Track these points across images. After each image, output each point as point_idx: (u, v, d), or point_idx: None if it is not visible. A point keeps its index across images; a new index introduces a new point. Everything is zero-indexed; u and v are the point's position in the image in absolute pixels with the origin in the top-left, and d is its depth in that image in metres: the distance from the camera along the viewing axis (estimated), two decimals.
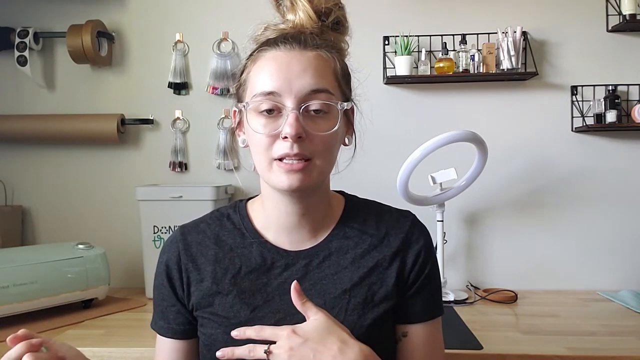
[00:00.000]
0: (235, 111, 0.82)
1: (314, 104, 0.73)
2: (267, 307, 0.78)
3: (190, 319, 0.82)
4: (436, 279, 0.85)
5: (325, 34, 0.80)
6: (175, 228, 0.88)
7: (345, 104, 0.77)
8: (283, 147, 0.72)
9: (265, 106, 0.73)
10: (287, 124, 0.71)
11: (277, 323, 0.70)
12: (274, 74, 0.73)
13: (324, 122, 0.74)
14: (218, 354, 0.70)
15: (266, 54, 0.76)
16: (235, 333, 0.70)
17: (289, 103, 0.72)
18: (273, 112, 0.74)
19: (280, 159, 0.73)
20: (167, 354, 0.84)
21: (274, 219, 0.82)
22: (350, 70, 0.82)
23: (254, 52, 0.79)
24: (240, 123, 0.81)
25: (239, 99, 0.80)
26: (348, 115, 0.81)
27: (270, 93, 0.73)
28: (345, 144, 0.83)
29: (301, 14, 0.79)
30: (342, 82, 0.79)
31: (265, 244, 0.82)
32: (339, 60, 0.79)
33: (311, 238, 0.82)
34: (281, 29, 0.80)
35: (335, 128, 0.75)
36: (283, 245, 0.81)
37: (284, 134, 0.72)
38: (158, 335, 0.85)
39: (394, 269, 0.80)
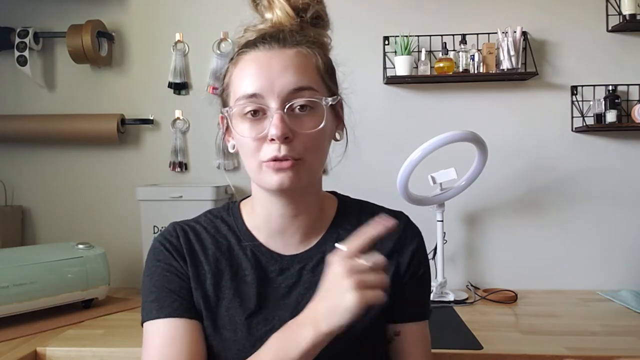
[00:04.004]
0: (222, 117, 0.80)
1: (298, 102, 0.72)
2: (261, 313, 0.77)
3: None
4: (428, 279, 0.85)
5: (305, 29, 0.78)
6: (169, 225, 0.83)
7: (330, 99, 0.75)
8: (271, 149, 0.71)
9: (249, 109, 0.72)
10: (273, 125, 0.70)
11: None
12: (255, 75, 0.72)
13: (310, 119, 0.73)
14: None
15: (246, 56, 0.75)
16: None
17: (272, 104, 0.71)
18: (258, 114, 0.72)
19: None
20: (186, 336, 0.74)
21: (265, 222, 0.80)
22: (334, 65, 0.81)
23: (234, 55, 0.78)
24: (228, 128, 0.79)
25: (224, 103, 0.79)
26: (337, 110, 0.80)
27: (252, 95, 0.72)
28: (336, 139, 0.81)
29: (279, 12, 0.78)
30: (326, 77, 0.77)
31: (259, 247, 0.80)
32: (320, 55, 0.77)
33: (304, 241, 0.81)
34: (260, 29, 0.79)
35: (322, 125, 0.73)
36: (276, 249, 0.80)
37: (270, 135, 0.70)
38: (163, 323, 0.74)
39: (388, 270, 0.79)
